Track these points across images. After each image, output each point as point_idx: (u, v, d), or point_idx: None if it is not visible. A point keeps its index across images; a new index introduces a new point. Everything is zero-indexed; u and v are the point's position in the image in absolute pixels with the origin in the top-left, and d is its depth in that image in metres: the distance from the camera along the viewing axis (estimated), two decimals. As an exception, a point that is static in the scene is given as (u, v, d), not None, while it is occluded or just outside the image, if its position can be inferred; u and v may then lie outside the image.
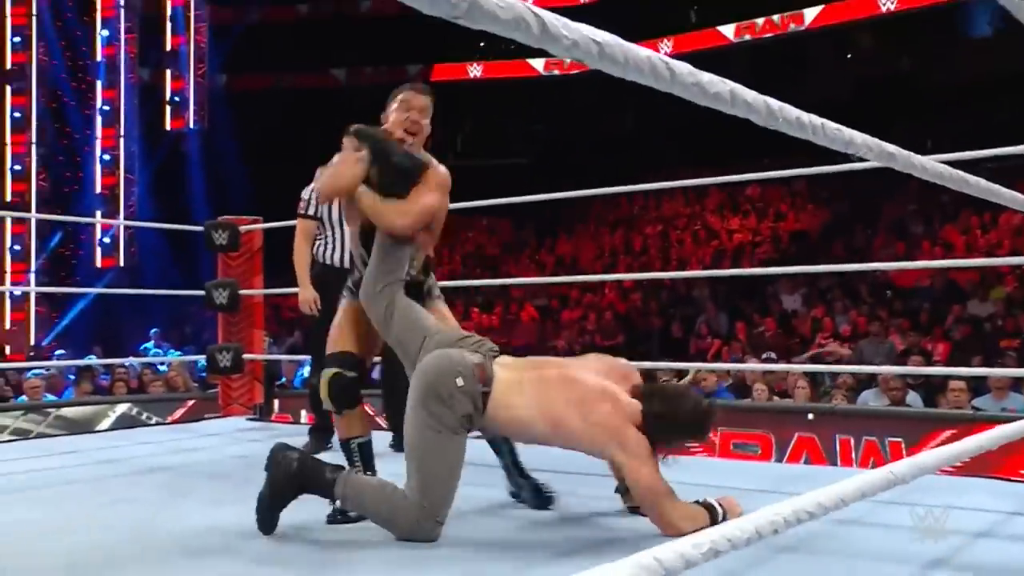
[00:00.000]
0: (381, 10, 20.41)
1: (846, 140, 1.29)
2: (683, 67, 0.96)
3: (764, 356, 8.68)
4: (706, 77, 1.00)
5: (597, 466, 2.78)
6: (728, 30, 18.08)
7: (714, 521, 2.51)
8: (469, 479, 2.61)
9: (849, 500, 1.35)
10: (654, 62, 0.91)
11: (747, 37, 17.95)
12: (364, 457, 2.93)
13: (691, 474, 3.57)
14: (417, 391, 2.53)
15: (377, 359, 3.71)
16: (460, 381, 2.49)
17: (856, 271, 8.37)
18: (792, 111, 1.15)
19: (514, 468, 3.03)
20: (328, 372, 2.89)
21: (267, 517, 2.60)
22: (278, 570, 2.34)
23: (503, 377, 2.56)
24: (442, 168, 3.00)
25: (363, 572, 2.35)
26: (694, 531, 2.50)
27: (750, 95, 1.07)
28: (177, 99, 19.04)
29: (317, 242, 4.27)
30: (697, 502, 2.59)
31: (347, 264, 3.75)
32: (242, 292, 5.47)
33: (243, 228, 5.52)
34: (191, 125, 19.00)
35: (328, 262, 4.23)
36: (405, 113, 3.00)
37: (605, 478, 2.88)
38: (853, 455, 4.82)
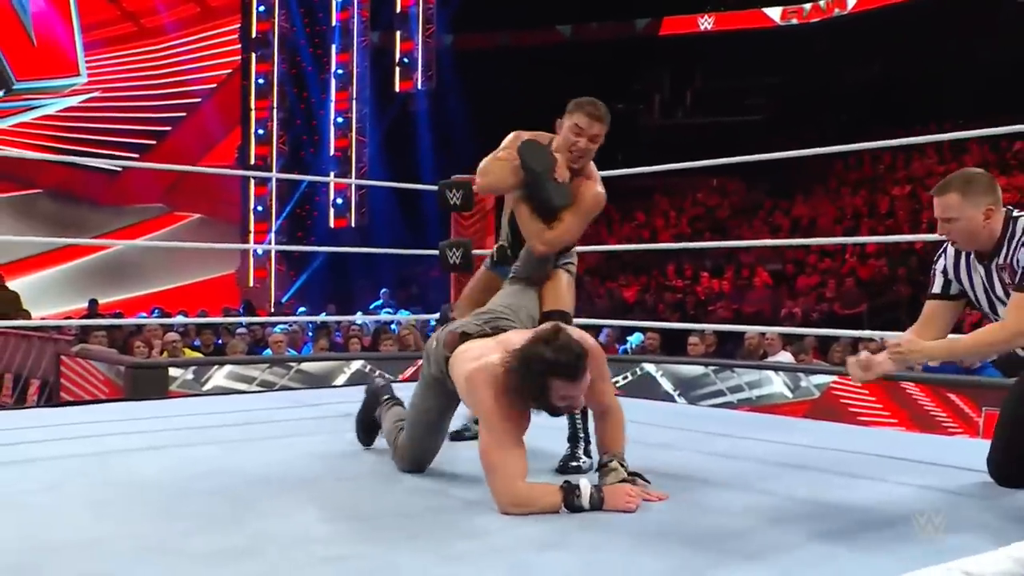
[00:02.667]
0: (607, -37, 20.25)
1: None
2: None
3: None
4: None
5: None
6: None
7: (569, 505, 2.46)
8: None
9: None
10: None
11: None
12: None
13: (954, 454, 3.36)
14: None
15: None
16: (434, 344, 2.96)
17: None
18: None
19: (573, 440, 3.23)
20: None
21: (360, 435, 3.45)
22: (523, 541, 2.39)
23: (470, 345, 2.80)
24: (594, 193, 3.28)
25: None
26: (519, 514, 2.41)
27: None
28: (406, 60, 19.72)
29: None
30: (566, 484, 2.51)
31: None
32: (476, 252, 5.60)
33: (476, 188, 5.63)
34: (419, 86, 19.63)
35: None
36: (575, 138, 3.19)
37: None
38: None
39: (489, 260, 3.59)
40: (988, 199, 2.72)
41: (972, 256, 2.84)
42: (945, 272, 2.93)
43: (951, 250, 2.90)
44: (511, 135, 3.38)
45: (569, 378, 2.50)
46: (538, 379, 2.50)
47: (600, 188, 3.31)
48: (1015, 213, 2.77)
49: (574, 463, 3.14)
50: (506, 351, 2.61)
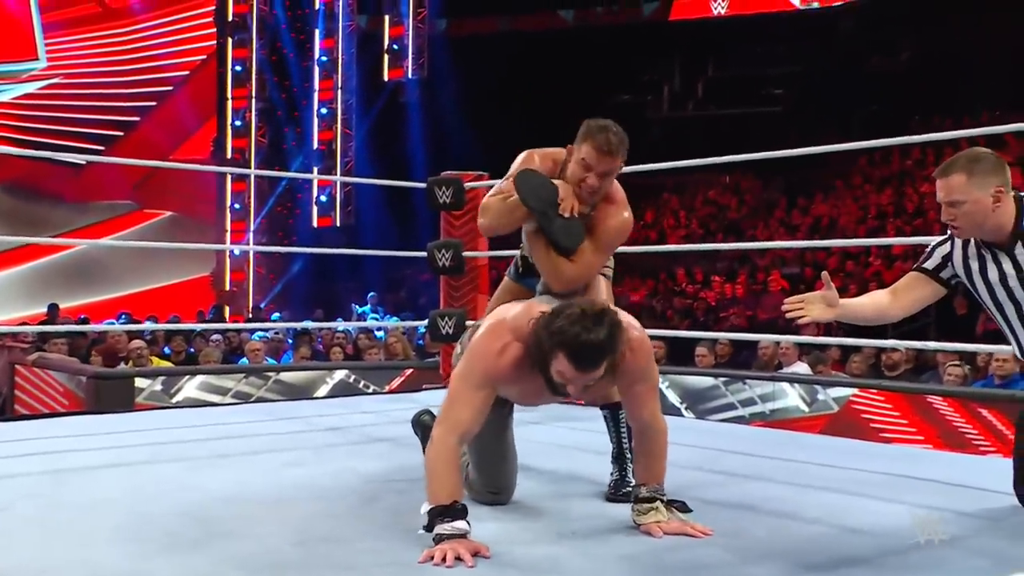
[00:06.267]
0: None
1: None
2: None
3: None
4: None
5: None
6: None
7: (431, 517, 2.43)
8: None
9: None
10: None
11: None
12: None
13: (984, 475, 3.36)
14: None
15: None
16: (459, 349, 3.03)
17: None
18: None
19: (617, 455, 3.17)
20: None
21: None
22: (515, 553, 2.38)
23: None
24: (618, 221, 3.07)
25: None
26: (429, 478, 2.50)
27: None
28: (396, 47, 19.73)
29: None
30: (456, 505, 2.44)
31: None
32: (466, 254, 5.60)
33: (468, 184, 5.64)
34: (410, 74, 19.66)
35: None
36: (584, 173, 2.95)
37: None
38: None
39: (514, 270, 3.44)
40: (996, 180, 2.68)
41: (987, 251, 2.78)
42: (947, 258, 2.89)
43: (959, 243, 2.87)
44: (522, 156, 3.17)
45: (574, 362, 2.44)
46: (548, 341, 2.46)
47: (626, 213, 3.10)
48: None
49: (626, 489, 3.02)
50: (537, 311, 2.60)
